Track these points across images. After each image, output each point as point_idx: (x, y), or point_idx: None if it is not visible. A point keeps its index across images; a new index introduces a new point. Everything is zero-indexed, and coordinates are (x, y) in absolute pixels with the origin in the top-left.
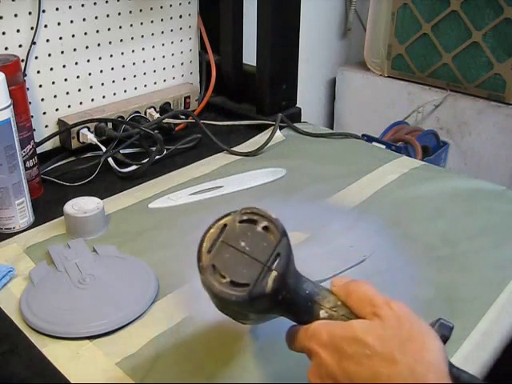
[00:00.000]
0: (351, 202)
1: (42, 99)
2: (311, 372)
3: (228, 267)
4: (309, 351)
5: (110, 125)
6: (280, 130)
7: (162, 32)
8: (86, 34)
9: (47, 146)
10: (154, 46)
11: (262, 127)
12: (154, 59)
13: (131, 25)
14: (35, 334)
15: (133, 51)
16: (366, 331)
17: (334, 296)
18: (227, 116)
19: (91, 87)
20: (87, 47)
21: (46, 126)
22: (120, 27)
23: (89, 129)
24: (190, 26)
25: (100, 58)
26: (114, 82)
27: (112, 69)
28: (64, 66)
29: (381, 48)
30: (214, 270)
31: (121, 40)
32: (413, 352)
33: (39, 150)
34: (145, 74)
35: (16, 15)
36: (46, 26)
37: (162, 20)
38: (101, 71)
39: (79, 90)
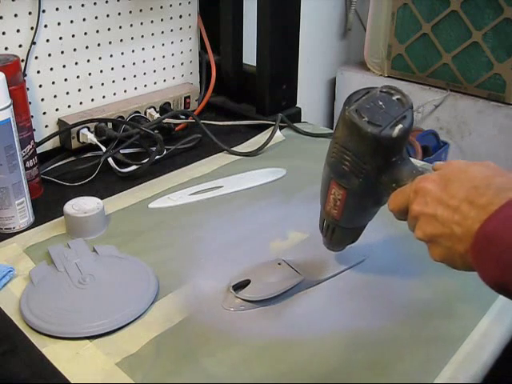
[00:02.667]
0: None
1: (42, 99)
2: (416, 204)
3: (367, 113)
4: (415, 191)
5: (110, 125)
6: (280, 130)
7: (162, 32)
8: (86, 34)
9: (47, 146)
10: (154, 46)
11: (262, 127)
12: (153, 59)
13: (131, 25)
14: (35, 334)
15: (133, 51)
16: (470, 165)
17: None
18: (227, 116)
19: (91, 87)
20: (87, 47)
21: (46, 126)
22: (120, 27)
23: (89, 129)
24: (190, 26)
25: (100, 58)
26: (114, 82)
27: (112, 69)
28: (64, 66)
29: (381, 48)
30: (356, 112)
31: (121, 40)
32: (506, 178)
33: (39, 149)
34: (145, 74)
35: (16, 15)
36: (45, 26)
37: (162, 20)
38: (101, 71)
39: (79, 90)
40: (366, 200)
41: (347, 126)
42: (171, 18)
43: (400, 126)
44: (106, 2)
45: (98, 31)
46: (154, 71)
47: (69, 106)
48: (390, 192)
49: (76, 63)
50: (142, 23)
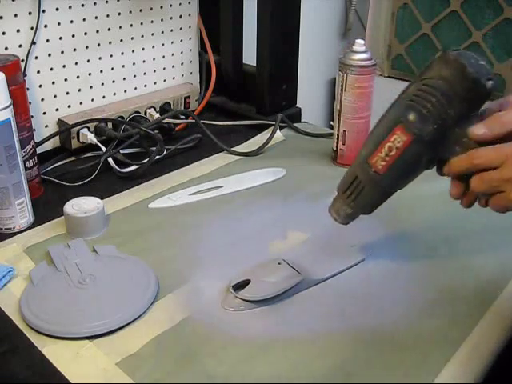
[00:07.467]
0: None
1: (42, 99)
2: (476, 179)
3: (468, 60)
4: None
5: (110, 125)
6: (280, 130)
7: (162, 32)
8: (85, 34)
9: (47, 146)
10: (154, 46)
11: (262, 127)
12: (153, 59)
13: (131, 25)
14: (35, 334)
15: (133, 51)
16: None
17: None
18: (227, 116)
19: (91, 87)
20: (87, 47)
21: (46, 126)
22: (120, 27)
23: (89, 129)
24: (190, 26)
25: (100, 58)
26: (114, 82)
27: (112, 69)
28: (64, 66)
29: (381, 48)
30: (460, 55)
31: (121, 40)
32: None
33: (39, 150)
34: (145, 74)
35: (16, 15)
36: (46, 26)
37: (162, 20)
38: (101, 71)
39: (79, 90)
40: (425, 153)
41: (450, 64)
42: (171, 18)
43: (492, 82)
44: (106, 1)
45: (98, 31)
46: (154, 71)
47: (69, 106)
48: (454, 148)
49: (76, 63)
50: (142, 23)
